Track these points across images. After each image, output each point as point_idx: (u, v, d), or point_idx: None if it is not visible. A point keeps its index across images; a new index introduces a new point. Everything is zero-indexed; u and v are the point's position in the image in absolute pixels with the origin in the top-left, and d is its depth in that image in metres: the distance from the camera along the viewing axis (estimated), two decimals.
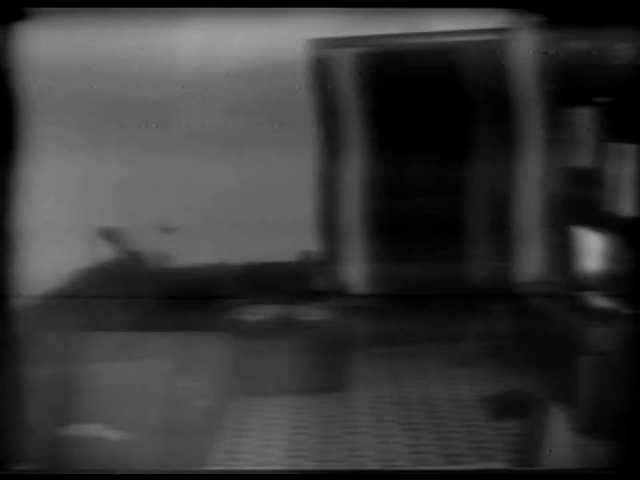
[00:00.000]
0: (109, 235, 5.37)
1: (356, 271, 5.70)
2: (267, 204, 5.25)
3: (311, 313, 5.53)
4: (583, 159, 5.08)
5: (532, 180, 5.42)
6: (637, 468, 3.28)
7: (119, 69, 4.94)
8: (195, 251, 5.30)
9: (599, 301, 4.82)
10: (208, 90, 5.04)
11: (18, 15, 3.58)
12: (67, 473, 3.28)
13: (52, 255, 4.63)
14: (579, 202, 5.13)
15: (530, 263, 5.47)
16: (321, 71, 5.34)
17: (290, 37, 4.96)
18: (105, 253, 5.34)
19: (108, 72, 4.85)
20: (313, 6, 3.66)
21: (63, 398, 4.31)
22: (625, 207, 4.53)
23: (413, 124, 5.52)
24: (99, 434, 4.24)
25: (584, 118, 5.03)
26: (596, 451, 4.13)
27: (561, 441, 3.78)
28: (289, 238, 5.21)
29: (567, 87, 5.08)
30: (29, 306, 4.36)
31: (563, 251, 5.24)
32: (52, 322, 4.57)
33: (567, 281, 5.21)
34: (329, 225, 5.58)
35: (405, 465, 4.46)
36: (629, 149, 4.41)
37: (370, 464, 4.49)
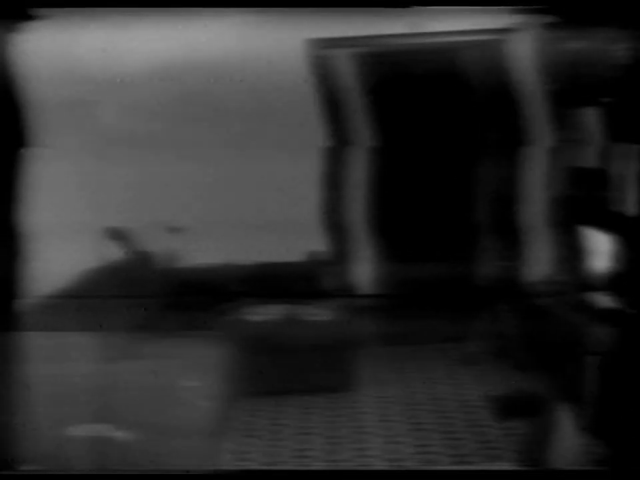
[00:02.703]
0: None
1: (363, 270, 5.70)
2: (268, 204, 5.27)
3: (319, 313, 5.54)
4: (589, 160, 5.07)
5: (537, 180, 5.41)
6: (637, 468, 3.28)
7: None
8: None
9: (605, 301, 4.81)
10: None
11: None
12: (67, 473, 3.30)
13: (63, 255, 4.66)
14: (585, 202, 5.12)
15: (536, 262, 5.45)
16: (323, 70, 5.35)
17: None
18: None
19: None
20: (313, 6, 3.68)
21: (71, 398, 4.34)
22: (630, 207, 4.53)
23: (417, 124, 5.52)
24: (108, 434, 4.27)
25: (589, 118, 5.02)
26: (599, 450, 4.13)
27: (566, 440, 3.78)
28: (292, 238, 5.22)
29: (571, 87, 5.07)
30: (38, 306, 4.39)
31: (568, 251, 5.24)
32: (60, 322, 4.59)
33: (572, 280, 5.20)
34: (333, 225, 5.58)
35: (412, 465, 4.46)
36: (634, 149, 4.41)
37: (376, 464, 4.50)
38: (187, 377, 4.65)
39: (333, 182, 5.50)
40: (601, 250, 4.87)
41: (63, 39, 4.50)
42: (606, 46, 4.51)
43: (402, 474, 3.73)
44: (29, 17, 4.21)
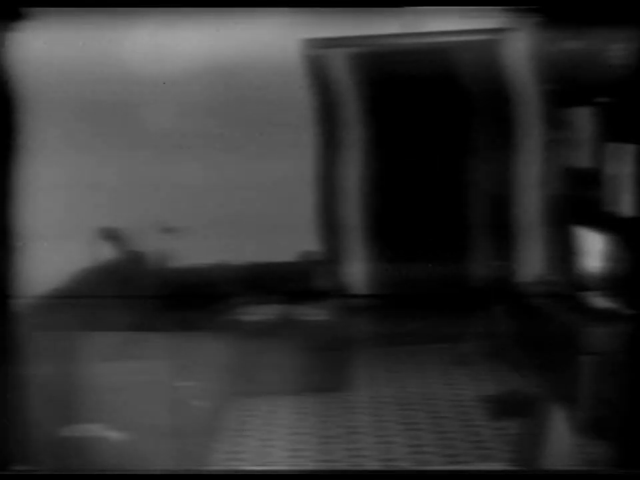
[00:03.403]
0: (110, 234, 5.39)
1: (356, 270, 5.70)
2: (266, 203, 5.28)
3: (312, 313, 5.54)
4: (583, 159, 5.09)
5: (531, 180, 5.42)
6: (637, 468, 3.28)
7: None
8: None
9: (600, 301, 4.82)
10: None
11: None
12: (67, 473, 3.28)
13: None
14: (579, 202, 5.14)
15: (530, 262, 5.47)
16: (318, 70, 5.35)
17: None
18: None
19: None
20: (313, 6, 3.67)
21: (65, 398, 4.32)
22: (625, 207, 4.53)
23: (411, 123, 5.53)
24: (101, 434, 4.25)
25: (584, 118, 5.03)
26: (596, 451, 4.14)
27: (562, 440, 3.78)
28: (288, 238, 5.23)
29: (567, 87, 5.08)
30: (32, 306, 4.37)
31: (563, 251, 5.25)
32: (54, 322, 4.57)
33: (567, 280, 5.21)
34: (327, 225, 5.58)
35: (405, 464, 4.46)
36: (629, 149, 4.41)
37: (370, 464, 4.49)
38: (182, 377, 4.64)
39: (330, 181, 5.51)
40: (597, 250, 4.89)
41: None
42: (604, 46, 4.53)
43: (400, 474, 3.72)
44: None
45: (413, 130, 5.54)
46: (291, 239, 5.32)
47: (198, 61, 4.98)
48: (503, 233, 5.54)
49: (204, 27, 4.87)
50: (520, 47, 5.22)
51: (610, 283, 4.80)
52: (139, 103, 5.02)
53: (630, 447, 3.41)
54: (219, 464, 4.55)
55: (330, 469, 4.30)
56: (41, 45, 4.53)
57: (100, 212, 5.13)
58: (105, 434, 4.26)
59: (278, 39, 5.07)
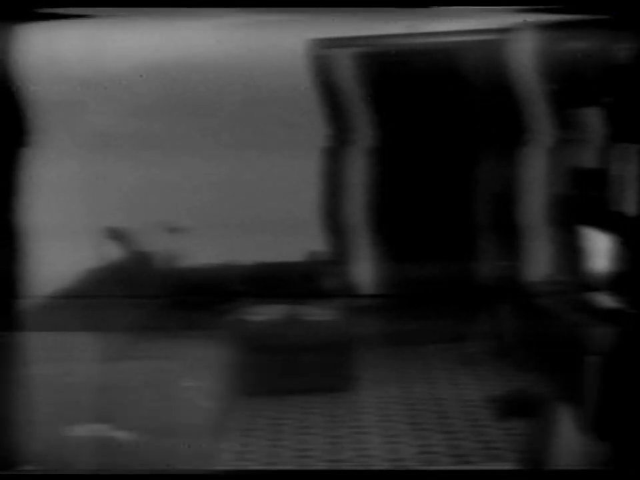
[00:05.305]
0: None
1: (363, 270, 5.70)
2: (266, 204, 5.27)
3: (318, 313, 5.54)
4: (588, 159, 5.07)
5: (536, 180, 5.41)
6: (637, 468, 3.28)
7: None
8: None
9: (607, 301, 4.81)
10: None
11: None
12: (67, 473, 3.30)
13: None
14: (586, 202, 5.13)
15: (536, 262, 5.46)
16: (324, 70, 5.35)
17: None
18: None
19: None
20: (314, 6, 3.68)
21: (72, 398, 4.34)
22: (630, 207, 4.53)
23: (418, 123, 5.52)
24: (107, 434, 4.27)
25: (591, 118, 5.02)
26: (598, 450, 4.13)
27: (565, 440, 3.77)
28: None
29: (573, 86, 5.07)
30: (38, 306, 4.39)
31: (569, 251, 5.24)
32: (60, 322, 4.59)
33: (574, 280, 5.20)
34: (334, 225, 5.59)
35: (412, 465, 4.46)
36: (633, 149, 4.41)
37: (376, 464, 4.49)
38: (188, 378, 4.66)
39: (335, 182, 5.51)
40: (600, 250, 4.88)
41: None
42: (610, 46, 4.52)
43: (402, 474, 3.73)
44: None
45: (419, 130, 5.54)
46: (298, 239, 5.33)
47: (199, 61, 5.00)
48: (509, 232, 5.53)
49: (204, 26, 4.89)
50: (526, 47, 5.21)
51: (616, 283, 4.79)
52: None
53: (631, 447, 3.41)
54: (226, 464, 4.55)
55: (330, 469, 4.30)
56: None
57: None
58: (112, 434, 4.28)
59: (284, 38, 5.07)
